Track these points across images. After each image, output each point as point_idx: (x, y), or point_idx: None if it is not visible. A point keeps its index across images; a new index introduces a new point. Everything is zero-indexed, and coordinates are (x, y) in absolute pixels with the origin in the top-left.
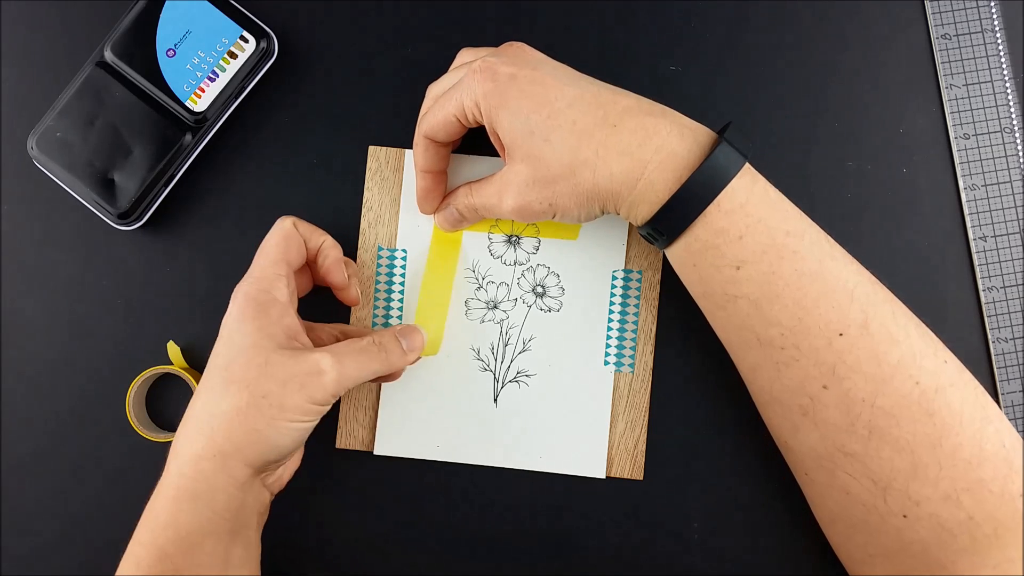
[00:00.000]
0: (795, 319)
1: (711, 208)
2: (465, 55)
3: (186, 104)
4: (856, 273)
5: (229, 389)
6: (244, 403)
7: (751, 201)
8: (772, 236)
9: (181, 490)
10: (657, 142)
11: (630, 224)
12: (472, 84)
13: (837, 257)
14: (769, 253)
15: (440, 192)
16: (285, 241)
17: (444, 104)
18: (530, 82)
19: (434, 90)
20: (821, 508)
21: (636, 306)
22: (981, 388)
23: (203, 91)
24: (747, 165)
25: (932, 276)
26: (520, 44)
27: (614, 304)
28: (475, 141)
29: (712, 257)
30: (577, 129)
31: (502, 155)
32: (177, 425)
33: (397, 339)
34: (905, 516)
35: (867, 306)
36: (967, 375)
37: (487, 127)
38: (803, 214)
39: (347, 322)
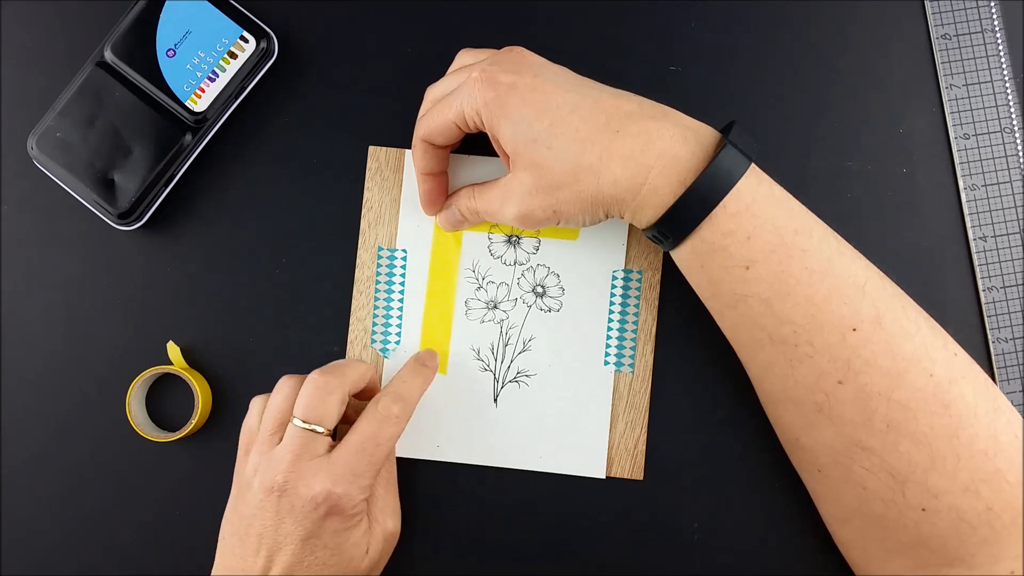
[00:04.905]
0: (808, 316)
1: (717, 211)
2: (464, 57)
3: (186, 104)
4: (865, 269)
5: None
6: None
7: (757, 202)
8: (780, 235)
9: None
10: (660, 146)
11: (630, 224)
12: (472, 92)
13: (845, 253)
14: (778, 252)
15: (442, 193)
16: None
17: (443, 110)
18: (531, 90)
19: (433, 92)
20: (835, 505)
21: (636, 306)
22: (989, 379)
23: (203, 91)
24: (752, 164)
25: (932, 276)
26: (520, 49)
27: (614, 304)
28: (476, 141)
29: (720, 258)
30: (580, 136)
31: (504, 161)
32: (177, 425)
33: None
34: (924, 509)
35: (878, 301)
36: (976, 367)
37: (489, 135)
38: (809, 211)
39: (346, 324)
